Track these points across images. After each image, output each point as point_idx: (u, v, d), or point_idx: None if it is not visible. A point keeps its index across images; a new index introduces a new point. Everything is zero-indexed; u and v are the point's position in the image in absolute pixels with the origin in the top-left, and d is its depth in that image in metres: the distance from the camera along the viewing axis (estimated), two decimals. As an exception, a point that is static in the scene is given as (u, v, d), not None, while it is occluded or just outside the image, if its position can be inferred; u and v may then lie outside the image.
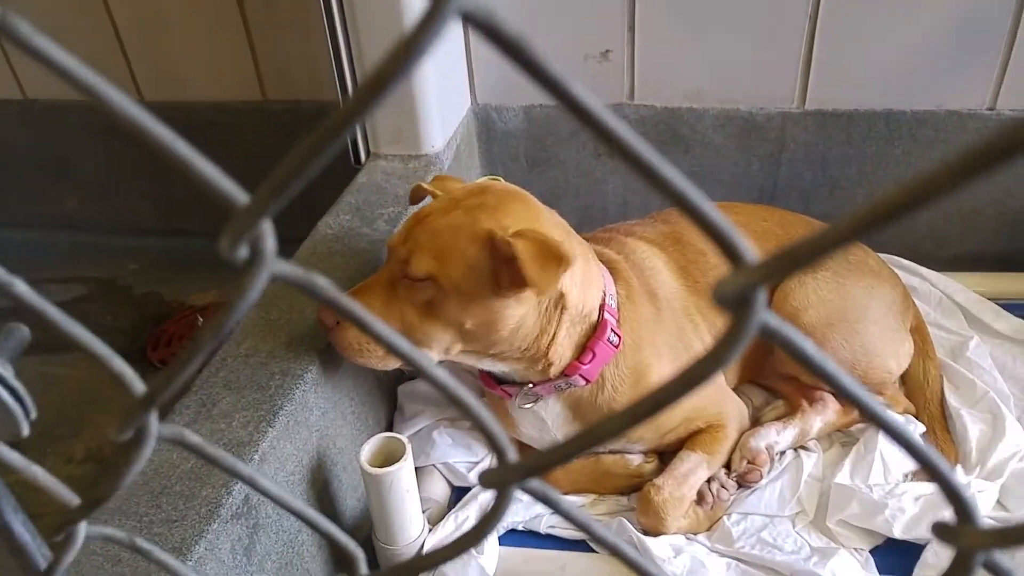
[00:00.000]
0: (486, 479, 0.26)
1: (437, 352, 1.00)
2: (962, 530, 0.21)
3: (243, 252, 0.22)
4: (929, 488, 1.07)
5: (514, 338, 1.00)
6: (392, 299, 0.98)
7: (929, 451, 0.21)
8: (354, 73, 1.43)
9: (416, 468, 1.10)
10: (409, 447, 1.00)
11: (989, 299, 1.44)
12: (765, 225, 1.31)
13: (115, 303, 1.82)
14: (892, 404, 1.23)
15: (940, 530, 0.22)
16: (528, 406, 1.09)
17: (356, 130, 1.47)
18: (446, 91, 1.47)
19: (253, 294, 0.23)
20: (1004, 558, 0.22)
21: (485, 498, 1.12)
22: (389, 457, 0.99)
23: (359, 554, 0.31)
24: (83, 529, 0.34)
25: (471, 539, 0.27)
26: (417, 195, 1.12)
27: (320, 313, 1.00)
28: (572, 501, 1.14)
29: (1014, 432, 1.15)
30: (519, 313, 0.98)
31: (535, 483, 0.26)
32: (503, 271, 0.92)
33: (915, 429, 1.16)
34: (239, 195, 0.21)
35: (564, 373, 1.04)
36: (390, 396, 1.25)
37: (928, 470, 0.22)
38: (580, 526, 0.30)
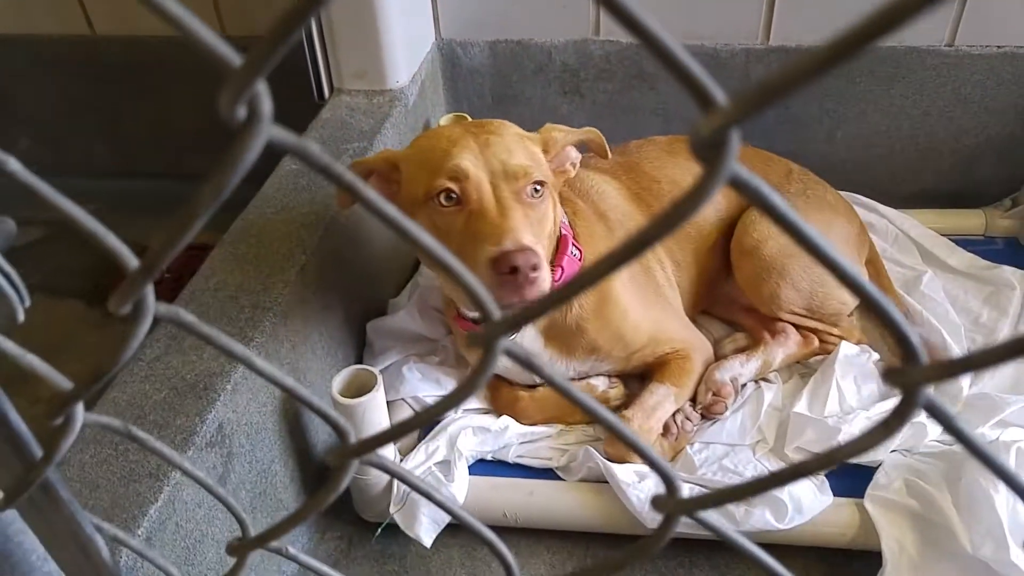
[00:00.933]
0: (473, 339, 0.27)
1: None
2: (907, 369, 0.23)
3: (241, 112, 0.22)
4: (877, 413, 1.12)
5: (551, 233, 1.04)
6: (532, 221, 0.97)
7: (881, 297, 0.23)
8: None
9: (387, 402, 1.12)
10: (380, 378, 1.01)
11: (943, 235, 1.49)
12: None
13: (75, 245, 1.78)
14: (847, 336, 1.27)
15: (888, 373, 0.24)
16: (512, 337, 1.11)
17: (320, 66, 1.44)
18: (410, 26, 1.44)
19: (250, 155, 0.23)
20: (943, 402, 0.24)
21: (454, 430, 1.14)
22: (361, 389, 1.01)
23: (348, 428, 0.32)
24: (80, 413, 0.35)
25: (463, 393, 0.29)
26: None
27: (523, 258, 0.89)
28: (541, 432, 1.17)
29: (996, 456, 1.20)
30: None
31: (513, 344, 0.28)
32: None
33: (868, 358, 1.21)
34: (234, 56, 0.22)
35: None
36: (359, 332, 1.25)
37: (878, 314, 0.23)
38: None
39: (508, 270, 0.88)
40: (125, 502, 0.76)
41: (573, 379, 1.20)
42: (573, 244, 1.08)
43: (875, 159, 1.59)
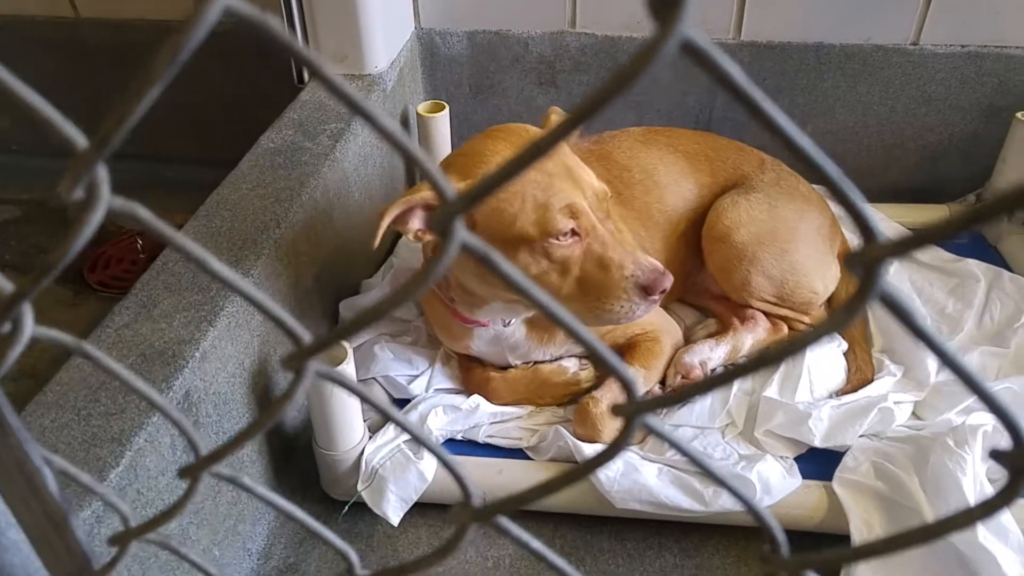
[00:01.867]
0: (617, 410, 0.28)
1: None
2: (867, 248, 0.24)
3: (79, 193, 0.23)
4: (846, 400, 1.14)
5: None
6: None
7: (842, 178, 0.24)
8: (297, -4, 1.40)
9: (358, 381, 1.12)
10: (351, 351, 1.01)
11: (909, 229, 1.52)
12: (697, 147, 1.35)
13: (50, 225, 1.76)
14: (816, 324, 1.29)
15: (849, 258, 0.24)
16: (508, 326, 1.13)
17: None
18: (390, 12, 1.45)
19: (89, 232, 0.26)
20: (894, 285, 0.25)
21: (424, 408, 1.14)
22: (331, 362, 1.00)
23: (305, 336, 0.32)
24: (30, 321, 0.34)
25: (589, 468, 0.30)
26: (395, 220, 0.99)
27: (662, 283, 0.98)
28: (511, 412, 1.17)
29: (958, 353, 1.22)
30: None
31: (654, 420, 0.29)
32: None
33: (839, 346, 1.23)
34: (80, 139, 0.23)
35: None
36: (332, 310, 1.25)
37: (839, 197, 0.24)
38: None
39: (655, 291, 0.96)
40: (85, 467, 0.75)
41: (546, 361, 1.20)
42: None
43: (843, 155, 1.62)
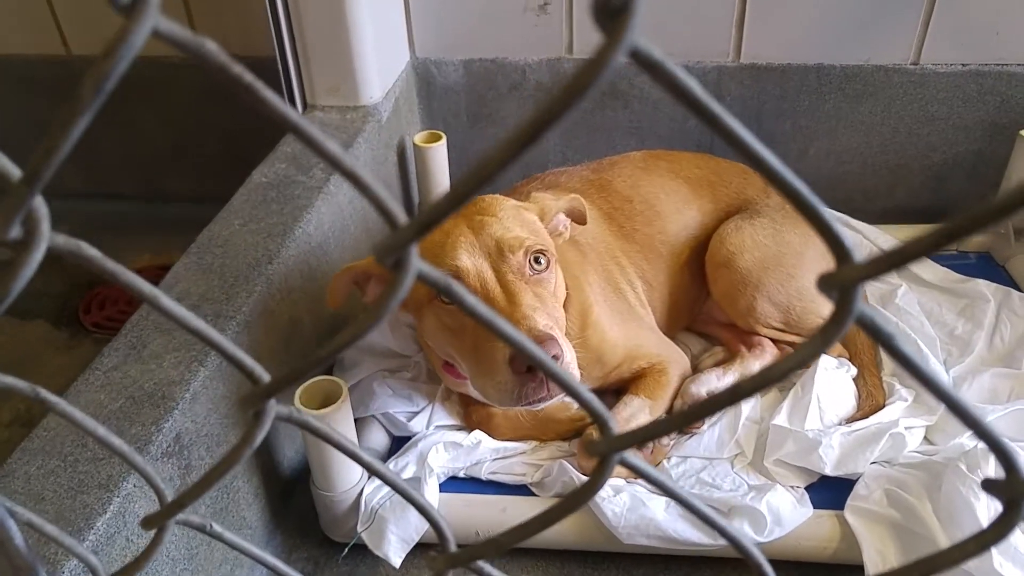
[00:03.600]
0: (590, 448, 0.27)
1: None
2: (841, 269, 0.22)
3: (15, 232, 0.24)
4: (857, 427, 1.10)
5: None
6: (542, 301, 0.93)
7: (810, 195, 0.22)
8: (291, 26, 1.39)
9: (356, 419, 1.09)
10: (346, 389, 0.98)
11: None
12: (699, 172, 1.33)
13: (44, 267, 1.72)
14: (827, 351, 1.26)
15: (822, 280, 0.22)
16: None
17: (292, 81, 1.44)
18: (384, 43, 1.44)
19: (27, 271, 0.25)
20: (868, 308, 0.23)
21: (424, 446, 1.11)
22: (326, 400, 0.98)
23: (261, 372, 0.30)
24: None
25: (563, 510, 0.28)
26: (344, 284, 1.01)
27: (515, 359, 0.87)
28: (514, 448, 1.14)
29: (940, 375, 1.20)
30: None
31: (633, 457, 0.27)
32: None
33: (848, 371, 1.20)
34: (14, 171, 0.22)
35: None
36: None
37: (808, 214, 0.22)
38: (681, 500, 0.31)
39: (525, 369, 0.86)
40: (71, 515, 0.73)
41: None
42: None
43: (847, 176, 1.60)
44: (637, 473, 0.29)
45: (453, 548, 0.34)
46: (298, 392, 0.97)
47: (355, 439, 1.03)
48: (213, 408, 0.90)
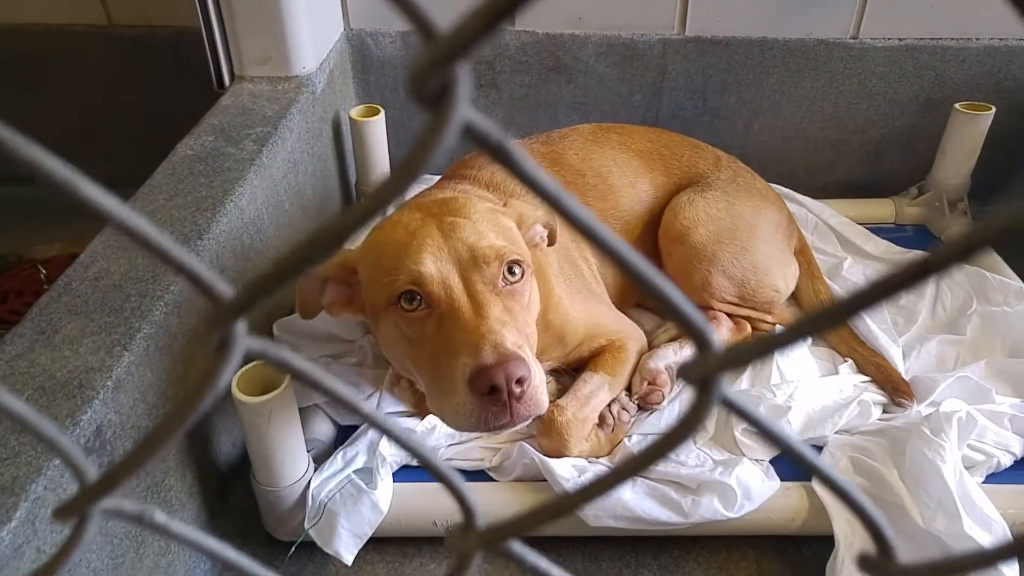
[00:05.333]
0: (687, 370, 0.22)
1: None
2: (701, 359, 0.21)
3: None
4: (824, 388, 1.09)
5: None
6: (514, 315, 0.85)
7: (665, 285, 0.21)
8: (216, -6, 1.28)
9: (299, 410, 1.00)
10: (288, 376, 0.90)
11: (857, 223, 1.51)
12: (650, 146, 1.30)
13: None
14: (780, 323, 1.25)
15: (683, 368, 0.22)
16: None
17: (219, 52, 1.33)
18: (317, 10, 1.35)
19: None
20: (737, 394, 0.23)
21: (375, 433, 1.04)
22: (266, 387, 0.89)
23: (228, 292, 0.23)
24: None
25: (669, 443, 0.24)
26: (312, 290, 0.94)
27: (507, 372, 0.77)
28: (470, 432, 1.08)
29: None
30: None
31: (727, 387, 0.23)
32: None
33: (806, 340, 1.18)
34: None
35: None
36: (266, 331, 1.14)
37: (664, 303, 0.21)
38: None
39: (487, 390, 0.76)
40: (-26, 523, 0.63)
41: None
42: None
43: (791, 151, 1.60)
44: (738, 413, 0.23)
45: (482, 526, 0.28)
46: (236, 377, 0.88)
47: (299, 427, 0.95)
48: (140, 397, 0.80)
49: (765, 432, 0.23)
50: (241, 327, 0.23)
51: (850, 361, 1.17)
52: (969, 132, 1.45)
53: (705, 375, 0.20)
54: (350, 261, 0.92)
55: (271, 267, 0.21)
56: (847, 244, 1.47)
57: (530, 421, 0.84)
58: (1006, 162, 1.60)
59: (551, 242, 1.05)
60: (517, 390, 0.77)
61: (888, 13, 1.46)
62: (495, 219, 0.91)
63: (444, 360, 0.81)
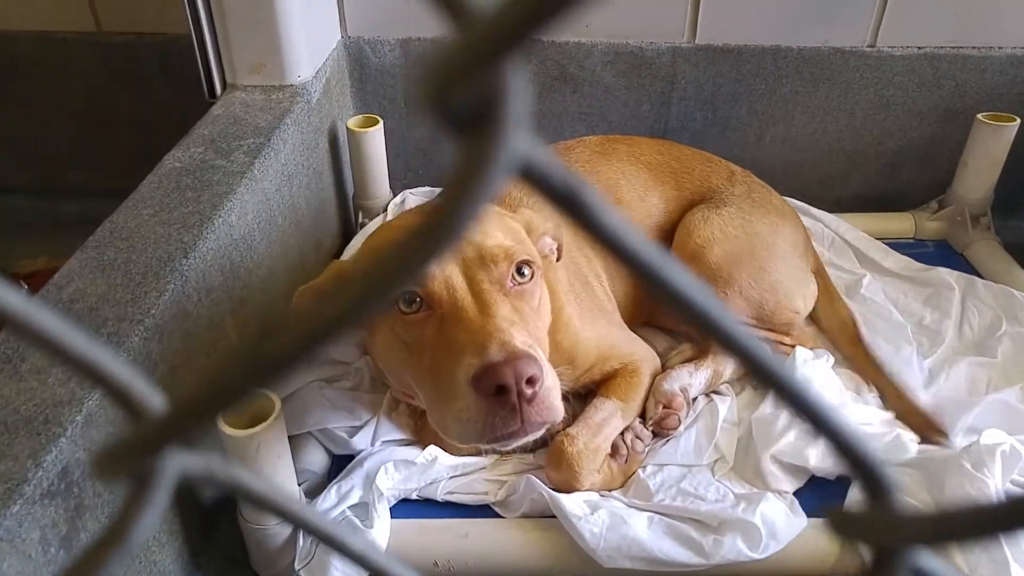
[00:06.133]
0: (857, 527, 0.16)
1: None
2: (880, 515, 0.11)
3: None
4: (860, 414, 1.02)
5: None
6: (523, 317, 0.79)
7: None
8: (208, 1, 1.22)
9: (289, 437, 0.93)
10: (279, 404, 0.84)
11: (875, 239, 1.45)
12: (660, 158, 1.24)
13: None
14: (801, 344, 1.18)
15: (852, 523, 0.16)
16: None
17: (211, 59, 1.27)
18: (313, 17, 1.29)
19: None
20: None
21: (371, 465, 0.97)
22: (255, 418, 0.83)
23: (156, 405, 0.16)
24: None
25: None
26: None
27: (516, 371, 0.70)
28: (474, 463, 1.01)
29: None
30: None
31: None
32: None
33: (827, 360, 1.12)
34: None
35: None
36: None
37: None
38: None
39: (494, 390, 0.69)
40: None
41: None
42: None
43: (804, 163, 1.54)
44: None
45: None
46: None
47: (290, 460, 0.88)
48: (114, 433, 0.73)
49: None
50: (172, 459, 0.16)
51: (875, 392, 1.10)
52: (993, 144, 1.40)
53: (893, 543, 0.13)
54: (344, 272, 0.85)
55: (210, 387, 0.15)
56: (865, 260, 1.40)
57: (543, 431, 0.77)
58: (1029, 175, 1.54)
59: (559, 256, 0.99)
60: (528, 391, 0.69)
61: (907, 21, 1.40)
62: (503, 222, 0.86)
63: (446, 364, 0.73)
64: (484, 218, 0.80)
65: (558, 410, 0.74)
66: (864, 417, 1.03)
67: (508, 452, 1.03)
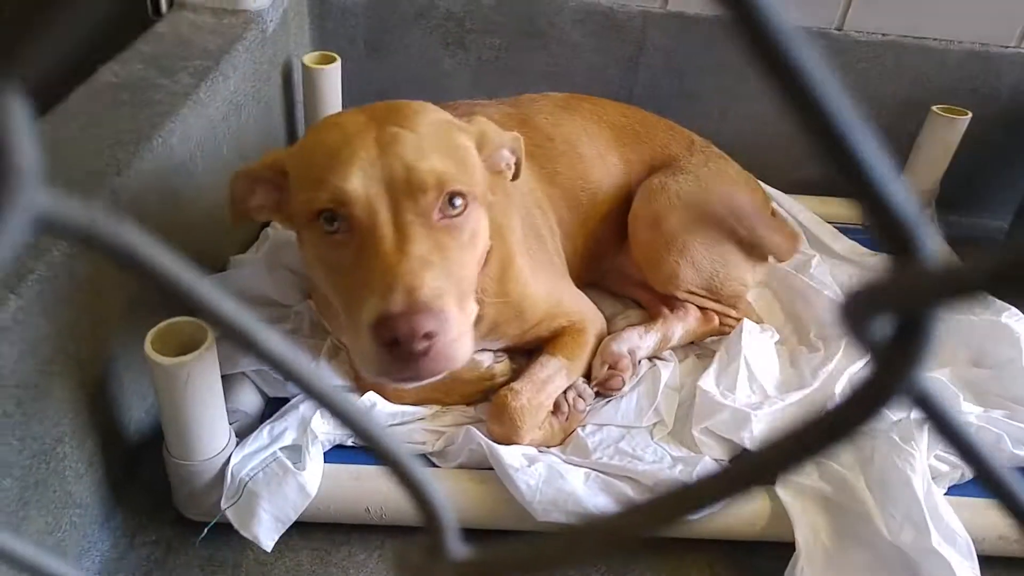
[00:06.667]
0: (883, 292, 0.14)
1: (475, 299, 0.80)
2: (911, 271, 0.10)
3: None
4: (792, 401, 1.03)
5: None
6: (446, 253, 0.74)
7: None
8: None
9: (223, 376, 0.89)
10: (212, 336, 0.80)
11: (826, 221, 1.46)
12: (624, 120, 1.22)
13: None
14: (746, 317, 1.19)
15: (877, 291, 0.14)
16: None
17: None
18: (271, -57, 1.23)
19: None
20: None
21: (307, 409, 0.94)
22: (185, 347, 0.78)
23: None
24: None
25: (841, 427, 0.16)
26: (245, 191, 0.83)
27: (411, 324, 0.67)
28: (413, 412, 0.99)
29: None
30: None
31: None
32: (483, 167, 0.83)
33: (772, 336, 1.13)
34: None
35: None
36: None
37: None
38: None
39: (390, 340, 0.67)
40: None
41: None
42: None
43: (765, 143, 1.54)
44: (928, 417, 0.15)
45: (457, 552, 0.20)
46: (149, 335, 0.77)
47: (221, 395, 0.84)
48: (29, 350, 0.69)
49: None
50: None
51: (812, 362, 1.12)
52: (944, 136, 1.42)
53: (918, 302, 0.12)
54: (280, 161, 0.80)
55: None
56: (815, 242, 1.42)
57: (444, 375, 0.74)
58: (975, 171, 1.58)
59: (516, 174, 0.92)
60: (421, 346, 0.68)
61: (875, 6, 1.41)
62: (448, 135, 0.79)
63: (356, 296, 0.71)
64: (425, 131, 0.76)
65: (458, 359, 0.72)
66: (802, 393, 1.05)
67: (449, 403, 1.01)
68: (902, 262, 0.13)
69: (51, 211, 0.14)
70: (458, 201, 0.76)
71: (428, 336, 0.68)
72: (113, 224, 0.16)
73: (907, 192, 0.13)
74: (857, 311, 0.13)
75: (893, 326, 0.13)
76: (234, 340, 0.18)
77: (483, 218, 0.81)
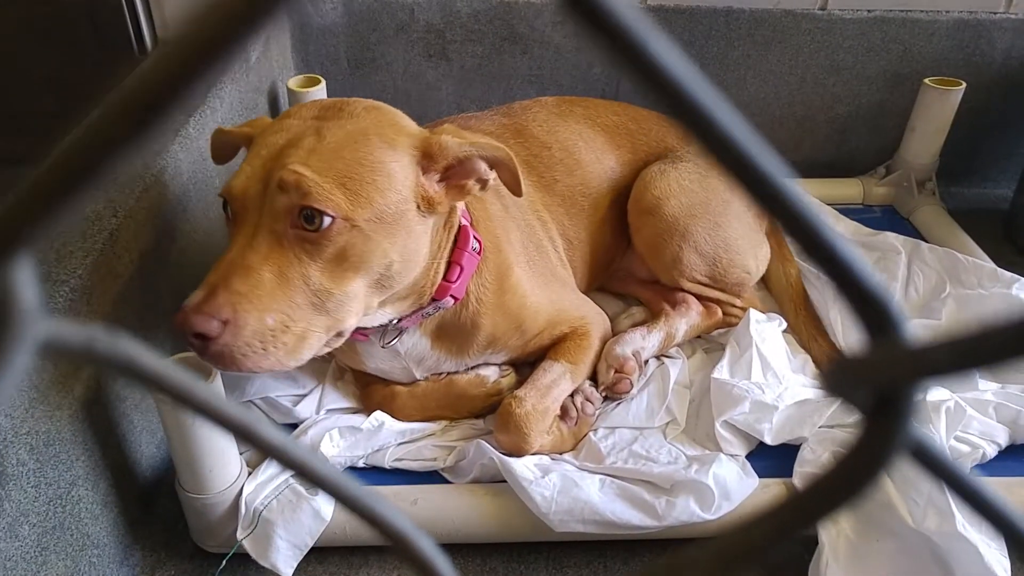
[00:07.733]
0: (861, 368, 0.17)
1: (355, 318, 0.78)
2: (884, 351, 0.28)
3: None
4: (805, 395, 1.02)
5: (420, 268, 0.83)
6: (284, 265, 0.72)
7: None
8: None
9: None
10: (217, 370, 0.80)
11: (825, 204, 1.46)
12: (616, 120, 1.21)
13: None
14: (751, 306, 1.18)
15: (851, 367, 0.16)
16: (392, 342, 0.93)
17: (139, 14, 1.20)
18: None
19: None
20: None
21: (316, 433, 0.94)
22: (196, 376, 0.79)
23: None
24: None
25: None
26: (222, 146, 0.87)
27: (185, 321, 0.69)
28: (422, 429, 0.99)
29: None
30: (430, 233, 0.83)
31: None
32: (427, 182, 0.80)
33: (779, 324, 1.12)
34: None
35: (433, 298, 0.89)
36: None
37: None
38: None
39: (176, 328, 0.69)
40: None
41: (461, 372, 1.02)
42: (474, 237, 0.91)
43: (756, 128, 1.53)
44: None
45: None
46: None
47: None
48: (40, 396, 0.69)
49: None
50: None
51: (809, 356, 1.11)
52: (939, 109, 1.41)
53: (893, 381, 0.14)
54: (248, 136, 0.82)
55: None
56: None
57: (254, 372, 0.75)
58: (974, 141, 1.57)
59: (517, 190, 0.86)
60: (195, 343, 0.69)
61: (857, -16, 1.40)
62: (361, 147, 0.74)
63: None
64: (334, 136, 0.74)
65: (248, 367, 0.71)
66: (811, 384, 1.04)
67: (457, 418, 1.01)
68: (878, 341, 0.13)
69: (52, 337, 0.15)
70: (316, 219, 0.72)
71: (201, 337, 0.69)
72: (110, 340, 0.17)
73: (873, 271, 0.13)
74: (842, 382, 0.14)
75: (874, 399, 0.13)
76: (234, 434, 0.19)
77: (375, 239, 0.75)
